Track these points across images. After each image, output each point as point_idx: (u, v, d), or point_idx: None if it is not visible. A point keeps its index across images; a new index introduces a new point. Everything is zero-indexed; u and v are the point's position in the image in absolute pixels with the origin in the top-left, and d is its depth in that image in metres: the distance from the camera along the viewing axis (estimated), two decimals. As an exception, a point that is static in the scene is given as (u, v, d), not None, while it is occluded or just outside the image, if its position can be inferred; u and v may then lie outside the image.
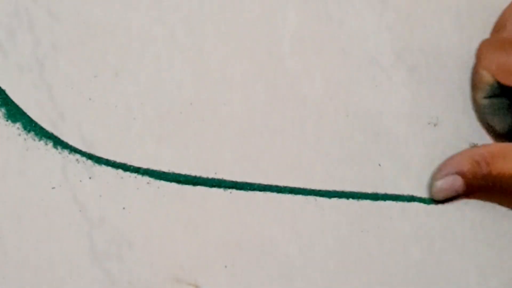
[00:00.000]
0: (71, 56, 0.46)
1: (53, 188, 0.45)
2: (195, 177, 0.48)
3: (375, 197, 0.51)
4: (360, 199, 0.51)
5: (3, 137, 0.45)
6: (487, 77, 0.50)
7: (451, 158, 0.50)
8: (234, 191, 0.49)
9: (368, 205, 0.51)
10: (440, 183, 0.50)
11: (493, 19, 0.55)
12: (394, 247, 0.52)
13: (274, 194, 0.49)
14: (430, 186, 0.51)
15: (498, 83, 0.50)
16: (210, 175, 0.48)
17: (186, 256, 0.48)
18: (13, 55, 0.45)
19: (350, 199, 0.51)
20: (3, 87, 0.45)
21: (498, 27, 0.53)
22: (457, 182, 0.49)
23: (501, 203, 0.51)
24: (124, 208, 0.47)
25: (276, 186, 0.49)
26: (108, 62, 0.47)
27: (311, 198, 0.50)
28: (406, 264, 0.52)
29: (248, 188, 0.49)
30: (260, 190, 0.49)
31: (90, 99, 0.46)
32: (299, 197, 0.50)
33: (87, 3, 0.47)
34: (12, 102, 0.45)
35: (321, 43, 0.51)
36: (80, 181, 0.46)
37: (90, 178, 0.46)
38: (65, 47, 0.46)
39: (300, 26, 0.50)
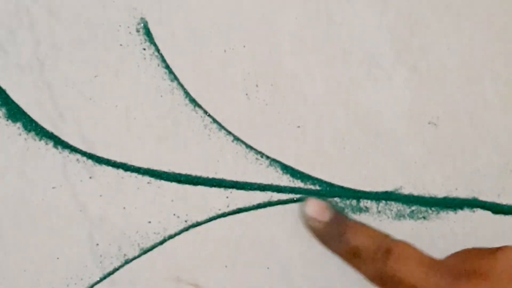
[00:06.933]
0: (71, 56, 0.46)
1: (53, 187, 0.45)
2: (195, 177, 0.48)
3: (375, 197, 0.51)
4: (360, 199, 0.51)
5: (3, 136, 0.45)
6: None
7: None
8: (234, 191, 0.49)
9: (368, 205, 0.51)
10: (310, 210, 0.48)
11: (493, 19, 0.55)
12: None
13: (274, 194, 0.49)
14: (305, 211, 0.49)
15: None
16: (210, 175, 0.48)
17: (186, 256, 0.48)
18: (14, 55, 0.45)
19: (350, 199, 0.51)
20: (4, 87, 0.45)
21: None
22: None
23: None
24: (124, 208, 0.47)
25: (277, 186, 0.49)
26: (108, 62, 0.47)
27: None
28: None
29: (248, 188, 0.49)
30: (260, 190, 0.49)
31: (90, 99, 0.46)
32: (299, 197, 0.50)
33: (87, 3, 0.47)
34: (13, 102, 0.45)
35: (321, 43, 0.51)
36: (81, 180, 0.46)
37: (90, 177, 0.46)
38: (65, 47, 0.46)
39: (300, 26, 0.50)
